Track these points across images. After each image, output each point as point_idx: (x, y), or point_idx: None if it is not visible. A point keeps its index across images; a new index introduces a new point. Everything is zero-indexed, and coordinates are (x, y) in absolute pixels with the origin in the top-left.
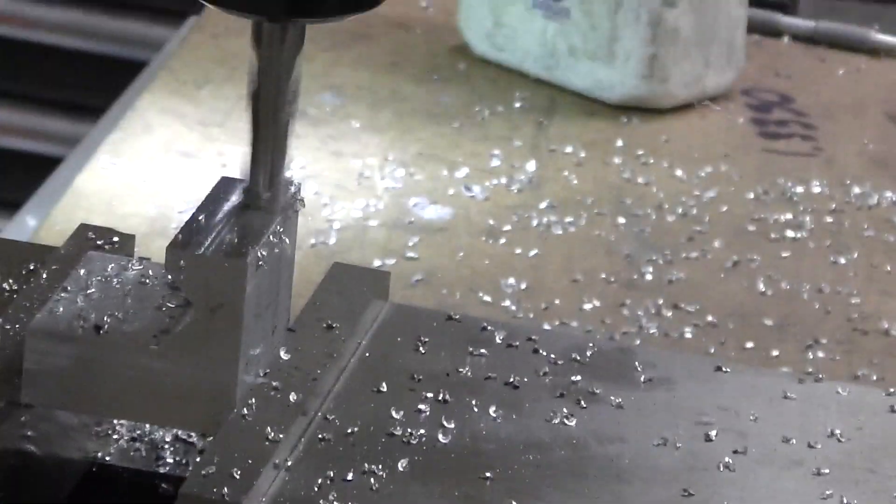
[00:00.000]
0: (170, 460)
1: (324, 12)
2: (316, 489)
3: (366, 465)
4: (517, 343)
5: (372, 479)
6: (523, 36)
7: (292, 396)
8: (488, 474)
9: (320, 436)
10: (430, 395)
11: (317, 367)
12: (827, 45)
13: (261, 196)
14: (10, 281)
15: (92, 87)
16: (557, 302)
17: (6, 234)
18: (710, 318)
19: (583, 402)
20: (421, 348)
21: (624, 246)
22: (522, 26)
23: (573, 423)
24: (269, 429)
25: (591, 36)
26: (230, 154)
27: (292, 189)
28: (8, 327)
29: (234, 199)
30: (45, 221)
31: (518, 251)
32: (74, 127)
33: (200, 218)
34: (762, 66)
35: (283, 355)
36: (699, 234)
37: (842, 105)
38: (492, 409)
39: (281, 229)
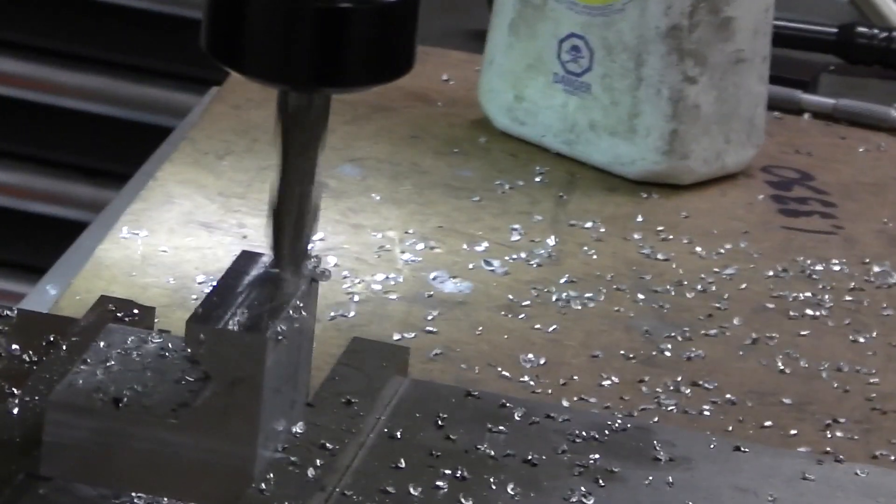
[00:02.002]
0: None
1: (349, 82)
2: None
3: None
4: (536, 420)
5: None
6: (544, 110)
7: (311, 472)
8: None
9: None
10: (448, 471)
11: (335, 443)
12: (847, 122)
13: (283, 268)
14: (31, 352)
15: (115, 153)
16: (576, 378)
17: (27, 304)
18: (728, 396)
19: (601, 481)
20: (440, 424)
21: (643, 322)
22: (543, 101)
23: (591, 501)
24: None
25: (611, 111)
26: (251, 225)
27: (314, 262)
28: (27, 399)
29: (255, 272)
30: (65, 291)
31: (537, 326)
32: (97, 192)
33: (221, 291)
34: (782, 144)
35: (302, 430)
36: (718, 312)
37: (862, 183)
38: (510, 487)
39: (301, 303)
